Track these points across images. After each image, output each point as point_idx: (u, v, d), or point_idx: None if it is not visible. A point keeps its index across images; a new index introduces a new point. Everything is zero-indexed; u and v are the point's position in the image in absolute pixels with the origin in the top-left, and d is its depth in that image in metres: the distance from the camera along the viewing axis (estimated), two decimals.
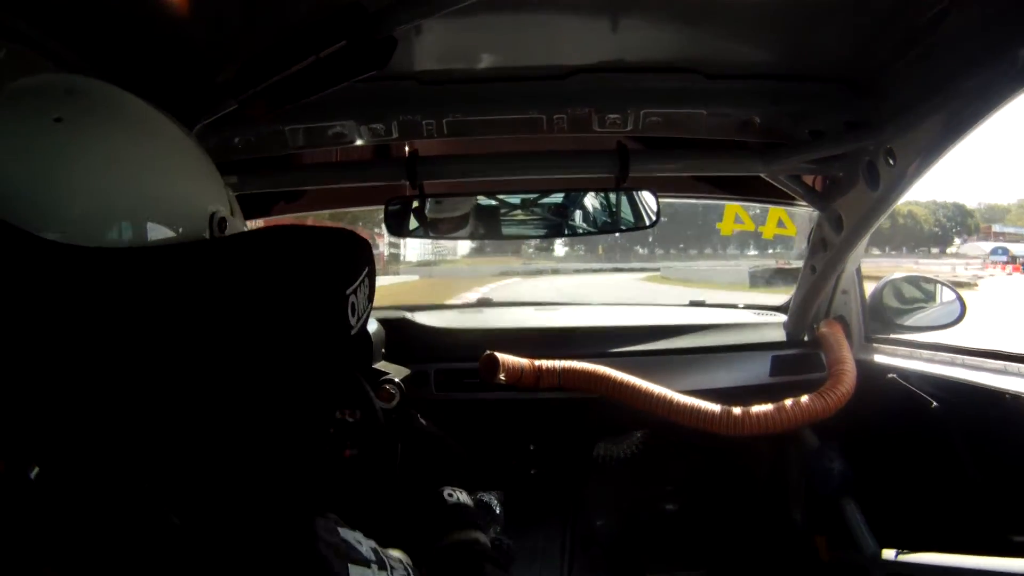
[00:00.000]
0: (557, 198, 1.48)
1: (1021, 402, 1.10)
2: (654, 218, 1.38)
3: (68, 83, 0.47)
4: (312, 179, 1.38)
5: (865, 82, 1.06)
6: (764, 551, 1.66)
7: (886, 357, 1.47)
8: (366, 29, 0.78)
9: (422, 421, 1.09)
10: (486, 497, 1.62)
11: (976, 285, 20.69)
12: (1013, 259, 32.63)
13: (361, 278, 0.50)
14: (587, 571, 1.64)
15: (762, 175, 1.28)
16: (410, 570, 0.56)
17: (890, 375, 1.37)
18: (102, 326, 0.40)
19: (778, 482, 1.70)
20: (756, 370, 1.54)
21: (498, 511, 1.35)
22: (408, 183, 1.26)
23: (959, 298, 1.54)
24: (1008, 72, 0.78)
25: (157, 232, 0.45)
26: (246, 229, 0.56)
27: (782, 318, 1.67)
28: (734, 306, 1.96)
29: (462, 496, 0.94)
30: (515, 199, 1.47)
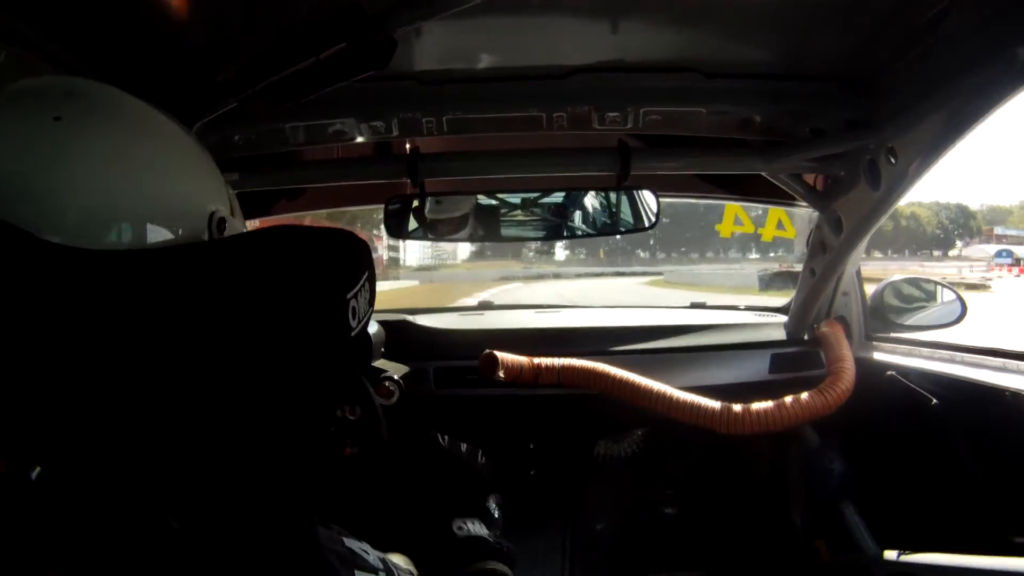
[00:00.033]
0: (557, 198, 1.48)
1: (1021, 399, 1.10)
2: (654, 219, 1.38)
3: (68, 84, 0.48)
4: (313, 177, 1.38)
5: (865, 81, 1.07)
6: (764, 553, 1.66)
7: (886, 355, 1.47)
8: (366, 31, 0.79)
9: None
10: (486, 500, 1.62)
11: (990, 287, 20.63)
12: (1018, 261, 32.59)
13: (362, 282, 0.50)
14: (587, 573, 1.64)
15: (763, 174, 1.28)
16: None
17: (889, 372, 1.37)
18: (102, 328, 0.40)
19: (778, 484, 1.70)
20: (755, 367, 1.54)
21: (496, 515, 1.35)
22: (409, 181, 1.26)
23: (959, 298, 1.55)
24: (1008, 71, 0.79)
25: (157, 232, 0.45)
26: (246, 229, 0.56)
27: (783, 319, 1.67)
28: (735, 307, 1.96)
29: (474, 526, 0.94)
30: (515, 199, 1.47)
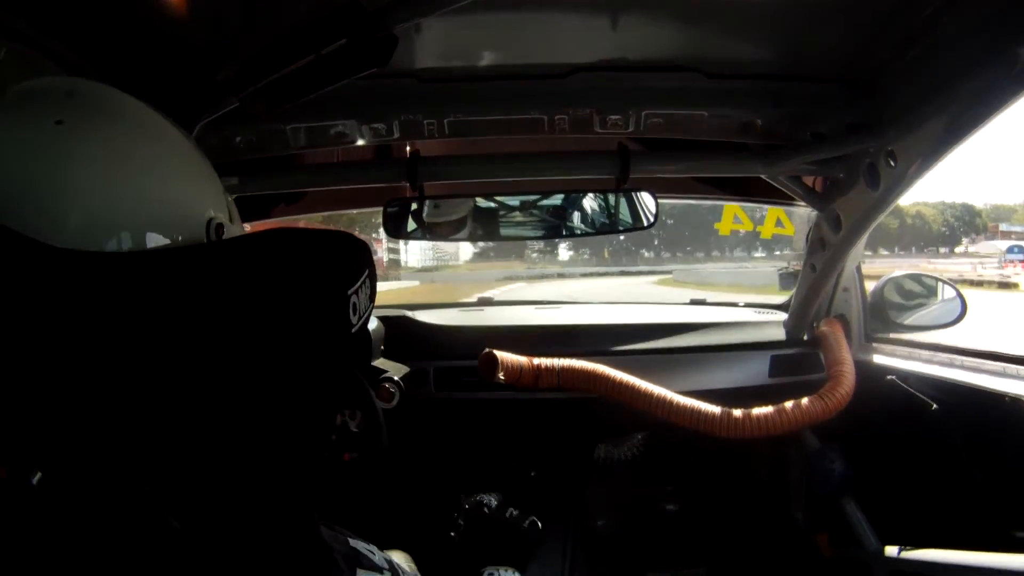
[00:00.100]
0: (556, 199, 1.48)
1: (1021, 404, 1.10)
2: (652, 219, 1.38)
3: (69, 86, 0.48)
4: (313, 180, 1.37)
5: (866, 83, 1.07)
6: (765, 550, 1.65)
7: (885, 358, 1.47)
8: (366, 27, 0.79)
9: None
10: (486, 499, 1.63)
11: (1019, 285, 20.27)
12: None
13: (362, 279, 0.50)
14: (588, 571, 1.64)
15: (763, 176, 1.28)
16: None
17: (889, 377, 1.37)
18: (102, 331, 0.40)
19: (779, 482, 1.70)
20: (755, 371, 1.54)
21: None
22: (408, 184, 1.25)
23: (959, 296, 1.54)
24: (1008, 73, 0.79)
25: (155, 237, 0.45)
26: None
27: (782, 316, 1.67)
28: (735, 304, 1.96)
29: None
30: (514, 201, 1.47)
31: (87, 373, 0.40)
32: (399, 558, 0.83)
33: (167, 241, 0.46)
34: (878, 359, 1.48)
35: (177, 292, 0.42)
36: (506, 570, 0.95)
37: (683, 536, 1.73)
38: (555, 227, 1.53)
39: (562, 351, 1.47)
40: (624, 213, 1.43)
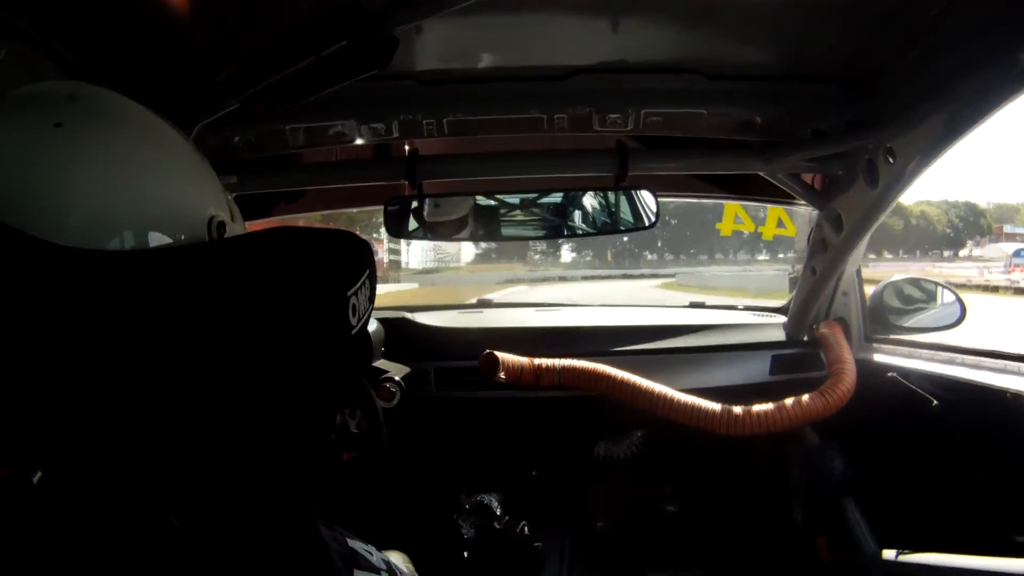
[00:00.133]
0: (556, 198, 1.48)
1: (1022, 401, 1.10)
2: (653, 219, 1.38)
3: (70, 90, 0.48)
4: (312, 179, 1.38)
5: (866, 82, 1.07)
6: (764, 551, 1.65)
7: (886, 356, 1.47)
8: (366, 29, 0.79)
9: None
10: (486, 499, 1.63)
11: None
12: None
13: (362, 280, 0.50)
14: (587, 571, 1.64)
15: (761, 174, 1.28)
16: None
17: (890, 374, 1.37)
18: (103, 329, 0.40)
19: (778, 482, 1.70)
20: (755, 369, 1.54)
21: (499, 512, 1.36)
22: (407, 183, 1.26)
23: (959, 299, 1.54)
24: (1008, 74, 0.79)
25: (157, 237, 0.45)
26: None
27: (782, 319, 1.67)
28: (734, 307, 1.96)
29: None
30: (514, 199, 1.47)
31: (88, 371, 0.40)
32: (397, 559, 0.83)
33: (169, 240, 0.46)
34: (878, 357, 1.48)
35: (177, 291, 0.42)
36: None
37: (682, 537, 1.73)
38: (556, 227, 1.53)
39: (562, 352, 1.47)
40: (625, 213, 1.43)
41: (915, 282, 1.66)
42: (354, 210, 1.88)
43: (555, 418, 1.60)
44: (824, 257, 1.38)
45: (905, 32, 0.91)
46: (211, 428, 0.44)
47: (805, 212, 1.58)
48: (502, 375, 1.40)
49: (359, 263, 0.50)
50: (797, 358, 1.56)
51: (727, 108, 1.16)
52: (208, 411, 0.43)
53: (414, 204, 1.40)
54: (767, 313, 1.79)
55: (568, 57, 1.08)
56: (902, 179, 1.05)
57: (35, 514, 0.41)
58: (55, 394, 0.40)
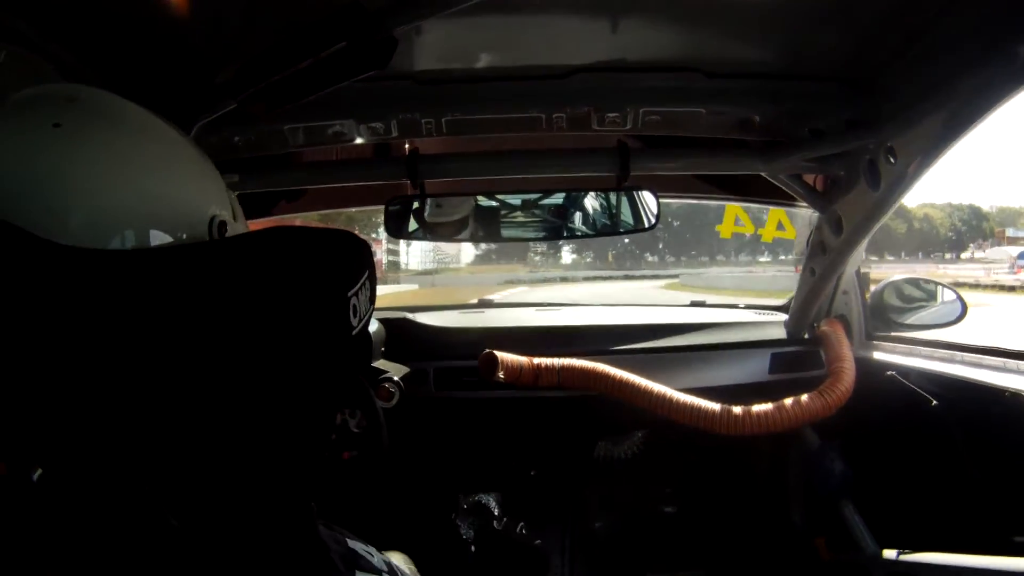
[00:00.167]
0: (557, 199, 1.48)
1: (1021, 399, 1.10)
2: (654, 220, 1.38)
3: (69, 91, 0.48)
4: (313, 178, 1.38)
5: (865, 81, 1.06)
6: (764, 552, 1.65)
7: (885, 354, 1.47)
8: (366, 29, 0.79)
9: (497, 524, 1.13)
10: (484, 499, 1.64)
11: None
12: None
13: (363, 280, 0.50)
14: (587, 571, 1.64)
15: (762, 174, 1.28)
16: None
17: (889, 372, 1.37)
18: (103, 328, 0.40)
19: (778, 483, 1.70)
20: (755, 368, 1.54)
21: (497, 513, 1.36)
22: (409, 182, 1.26)
23: (959, 298, 1.54)
24: (1007, 70, 0.79)
25: (158, 236, 0.45)
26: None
27: (782, 317, 1.67)
28: (735, 306, 1.96)
29: None
30: (515, 200, 1.47)
31: (89, 370, 0.40)
32: (398, 559, 0.82)
33: (170, 239, 0.46)
34: (878, 355, 1.48)
35: (177, 291, 0.42)
36: None
37: (682, 538, 1.73)
38: (557, 228, 1.53)
39: (561, 351, 1.47)
40: (626, 214, 1.43)
41: (915, 282, 1.67)
42: (353, 210, 1.88)
43: (555, 418, 1.60)
44: (824, 259, 1.38)
45: (904, 30, 0.91)
46: (211, 428, 0.44)
47: (805, 214, 1.58)
48: (501, 374, 1.40)
49: (360, 264, 0.50)
50: (797, 356, 1.55)
51: (726, 107, 1.16)
52: (208, 411, 0.43)
53: (415, 204, 1.40)
54: (768, 311, 1.79)
55: (567, 57, 1.08)
56: (903, 180, 1.05)
57: (34, 512, 0.41)
58: (56, 392, 0.40)
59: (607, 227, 1.52)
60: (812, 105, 1.14)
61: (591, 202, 1.49)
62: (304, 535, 0.48)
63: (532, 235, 1.56)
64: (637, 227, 1.42)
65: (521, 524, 1.48)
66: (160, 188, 0.47)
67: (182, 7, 0.84)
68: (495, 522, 1.53)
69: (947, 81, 0.88)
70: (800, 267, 1.53)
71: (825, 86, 1.11)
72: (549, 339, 1.58)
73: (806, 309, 1.54)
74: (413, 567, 0.96)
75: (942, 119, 0.91)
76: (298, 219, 1.78)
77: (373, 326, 1.37)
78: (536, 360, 1.44)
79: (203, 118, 0.99)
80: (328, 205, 1.78)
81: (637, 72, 1.10)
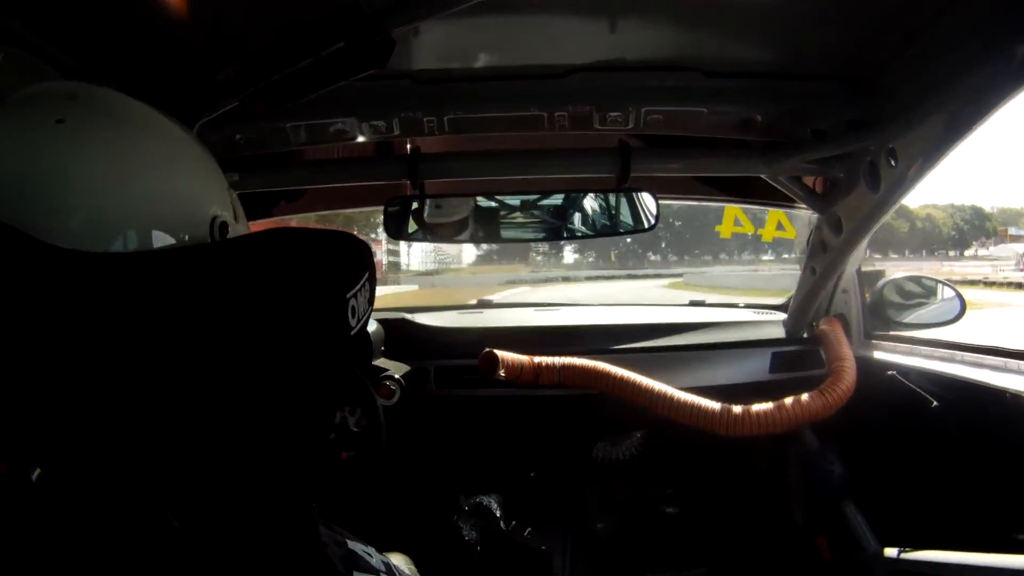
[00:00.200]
0: (557, 200, 1.49)
1: (1021, 401, 1.10)
2: (653, 221, 1.38)
3: (71, 89, 0.48)
4: (314, 177, 1.38)
5: (866, 80, 1.06)
6: (766, 552, 1.65)
7: (886, 354, 1.47)
8: (364, 30, 0.79)
9: (504, 526, 1.13)
10: (485, 500, 1.64)
11: None
12: None
13: (362, 282, 0.50)
14: (587, 572, 1.64)
15: (763, 176, 1.28)
16: None
17: (889, 372, 1.37)
18: (104, 329, 0.40)
19: (778, 483, 1.70)
20: (755, 367, 1.54)
21: (498, 514, 1.36)
22: (409, 182, 1.26)
23: (958, 295, 1.54)
24: (1007, 69, 0.78)
25: (159, 236, 0.45)
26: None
27: (782, 316, 1.67)
28: (734, 305, 1.96)
29: None
30: (514, 201, 1.47)
31: (88, 371, 0.40)
32: (398, 560, 0.83)
33: (172, 240, 0.46)
34: (878, 355, 1.48)
35: (177, 293, 0.42)
36: None
37: (683, 538, 1.73)
38: (556, 229, 1.53)
39: (562, 351, 1.47)
40: (625, 215, 1.43)
41: (915, 279, 1.66)
42: (353, 210, 1.88)
43: (555, 417, 1.60)
44: (824, 258, 1.38)
45: (904, 29, 0.91)
46: (211, 428, 0.44)
47: (805, 214, 1.58)
48: (502, 373, 1.40)
49: (360, 265, 0.50)
50: (797, 355, 1.55)
51: (727, 106, 1.15)
52: (208, 411, 0.43)
53: (414, 205, 1.40)
54: (767, 310, 1.79)
55: (567, 56, 1.08)
56: (904, 182, 1.04)
57: (33, 512, 0.41)
58: (56, 393, 0.40)
59: (607, 228, 1.52)
60: (813, 105, 1.13)
61: (590, 203, 1.49)
62: (304, 535, 0.48)
63: (532, 236, 1.56)
64: (637, 228, 1.42)
65: (522, 525, 1.47)
66: (164, 186, 0.47)
67: (183, 6, 0.84)
68: (496, 524, 1.53)
69: (947, 81, 0.88)
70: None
71: (825, 85, 1.10)
72: (548, 339, 1.58)
73: (805, 308, 1.54)
74: (413, 568, 0.96)
75: (943, 121, 0.91)
76: (293, 220, 1.78)
77: (372, 326, 1.37)
78: (536, 359, 1.44)
79: (205, 116, 0.99)
80: (328, 206, 1.78)
81: (636, 71, 1.10)
